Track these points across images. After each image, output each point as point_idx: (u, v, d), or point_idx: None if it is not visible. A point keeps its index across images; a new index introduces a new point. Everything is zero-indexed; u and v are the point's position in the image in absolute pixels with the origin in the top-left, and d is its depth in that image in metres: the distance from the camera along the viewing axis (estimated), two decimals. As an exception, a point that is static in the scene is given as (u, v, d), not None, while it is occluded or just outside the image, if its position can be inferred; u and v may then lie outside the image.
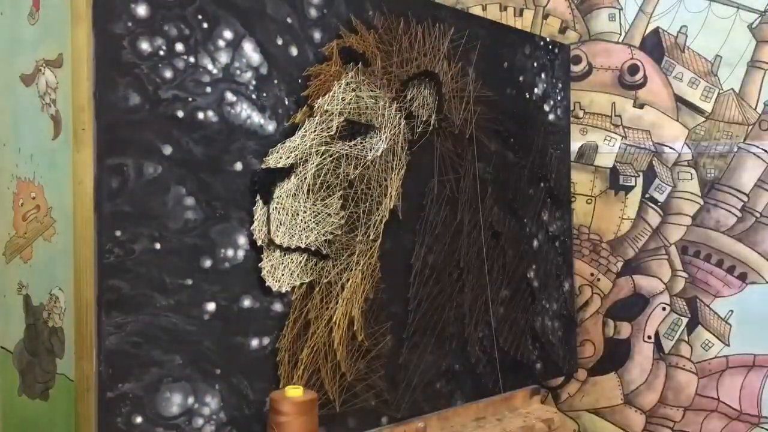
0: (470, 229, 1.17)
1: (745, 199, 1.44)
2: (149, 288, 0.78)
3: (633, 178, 1.52)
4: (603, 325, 1.55)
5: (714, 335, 1.45)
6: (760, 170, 1.43)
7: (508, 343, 1.24)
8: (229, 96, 0.84)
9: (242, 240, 0.86)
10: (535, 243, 1.32)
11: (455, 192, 1.15)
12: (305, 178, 0.92)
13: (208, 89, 0.82)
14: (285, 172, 0.90)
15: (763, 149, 1.43)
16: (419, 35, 1.08)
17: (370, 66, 1.00)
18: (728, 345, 1.45)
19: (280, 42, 0.90)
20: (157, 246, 0.78)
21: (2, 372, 1.15)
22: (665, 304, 1.49)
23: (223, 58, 0.84)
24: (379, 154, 1.02)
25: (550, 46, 1.37)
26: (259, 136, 0.87)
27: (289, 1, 0.91)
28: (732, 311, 1.46)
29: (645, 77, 1.51)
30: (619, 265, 1.53)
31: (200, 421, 0.82)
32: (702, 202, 1.47)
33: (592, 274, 1.55)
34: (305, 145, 0.92)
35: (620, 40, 1.53)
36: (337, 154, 0.96)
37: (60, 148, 1.02)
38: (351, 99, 0.98)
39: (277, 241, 0.89)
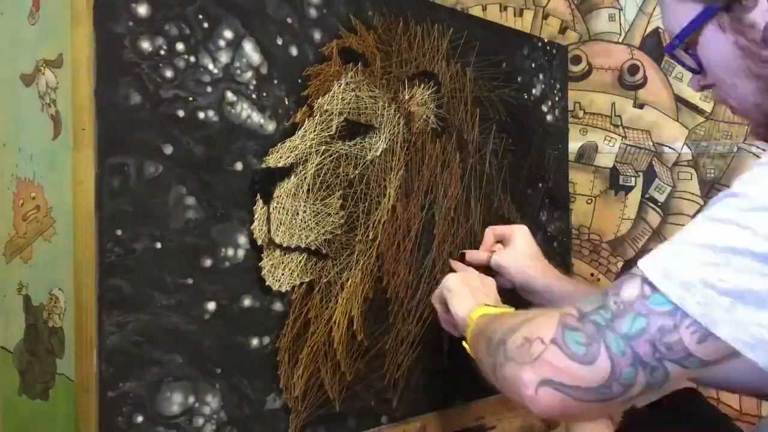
0: (469, 229, 1.18)
1: (745, 199, 1.43)
2: (150, 287, 0.78)
3: (633, 179, 1.52)
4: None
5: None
6: (759, 170, 1.43)
7: (507, 343, 1.24)
8: (230, 96, 0.84)
9: (242, 239, 0.86)
10: (535, 243, 1.32)
11: (454, 191, 1.15)
12: (305, 178, 0.92)
13: (209, 89, 0.82)
14: (285, 172, 0.90)
15: (762, 149, 1.43)
16: (418, 35, 1.08)
17: (369, 66, 1.00)
18: (728, 345, 1.45)
19: (280, 42, 0.90)
20: (158, 245, 0.78)
21: (2, 372, 1.15)
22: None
23: (224, 57, 0.84)
24: (378, 154, 1.02)
25: (548, 47, 1.37)
26: (259, 136, 0.88)
27: (289, 1, 0.91)
28: (731, 311, 1.46)
29: (645, 77, 1.51)
30: (619, 265, 1.53)
31: (201, 421, 0.82)
32: (702, 203, 1.47)
33: (592, 275, 1.55)
34: (305, 144, 0.92)
35: (620, 41, 1.53)
36: (336, 154, 0.96)
37: (60, 148, 1.02)
38: (351, 99, 0.98)
39: (277, 241, 0.89)
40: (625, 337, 0.55)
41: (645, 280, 0.56)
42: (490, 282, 1.01)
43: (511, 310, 0.86)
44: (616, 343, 0.55)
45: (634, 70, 1.52)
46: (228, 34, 0.84)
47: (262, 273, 0.88)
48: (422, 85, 1.10)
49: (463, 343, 0.90)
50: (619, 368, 0.55)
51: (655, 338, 0.54)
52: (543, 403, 0.58)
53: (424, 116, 1.10)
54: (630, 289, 0.56)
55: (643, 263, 0.57)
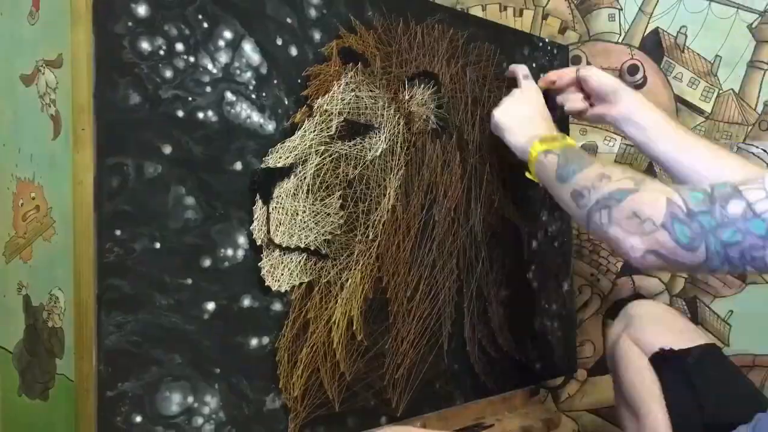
0: (469, 229, 1.18)
1: (745, 199, 1.44)
2: (149, 287, 0.78)
3: (633, 179, 1.52)
4: (603, 326, 1.55)
5: (714, 335, 1.45)
6: (759, 170, 1.43)
7: (507, 343, 1.24)
8: (229, 96, 0.84)
9: (242, 240, 0.86)
10: (534, 243, 1.32)
11: (454, 192, 1.15)
12: (305, 178, 0.92)
13: (208, 89, 0.82)
14: (284, 172, 0.90)
15: (762, 149, 1.44)
16: (418, 36, 1.08)
17: (369, 66, 1.00)
18: (728, 345, 1.46)
19: (279, 42, 0.90)
20: (157, 245, 0.78)
21: (2, 372, 1.15)
22: (665, 304, 1.49)
23: (223, 57, 0.84)
24: (378, 154, 1.02)
25: (549, 47, 1.37)
26: (258, 136, 0.88)
27: (288, 2, 0.91)
28: (732, 311, 1.46)
29: (645, 77, 1.52)
30: (619, 265, 1.53)
31: (200, 420, 0.82)
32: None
33: (592, 275, 1.55)
34: (305, 145, 0.92)
35: (620, 41, 1.53)
36: (336, 154, 0.96)
37: (60, 148, 1.02)
38: (350, 99, 0.98)
39: (277, 241, 0.89)
40: (723, 244, 0.71)
41: (750, 205, 0.71)
42: (539, 101, 1.11)
43: (571, 141, 1.01)
44: (715, 245, 0.72)
45: (633, 70, 1.52)
46: (227, 34, 0.84)
47: (262, 273, 0.88)
48: (422, 85, 1.10)
49: (527, 174, 1.03)
50: (711, 260, 0.73)
51: (744, 249, 0.71)
52: (646, 263, 0.77)
53: (424, 116, 1.10)
54: (735, 207, 0.71)
55: (751, 192, 0.72)
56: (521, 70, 1.16)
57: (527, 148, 1.01)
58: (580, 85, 1.14)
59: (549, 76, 1.18)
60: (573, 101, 1.16)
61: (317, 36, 0.94)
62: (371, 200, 1.01)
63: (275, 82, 0.89)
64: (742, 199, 0.72)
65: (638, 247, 0.76)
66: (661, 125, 1.05)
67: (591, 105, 1.14)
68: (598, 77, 1.12)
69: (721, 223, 0.71)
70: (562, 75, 1.16)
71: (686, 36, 1.49)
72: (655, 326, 1.10)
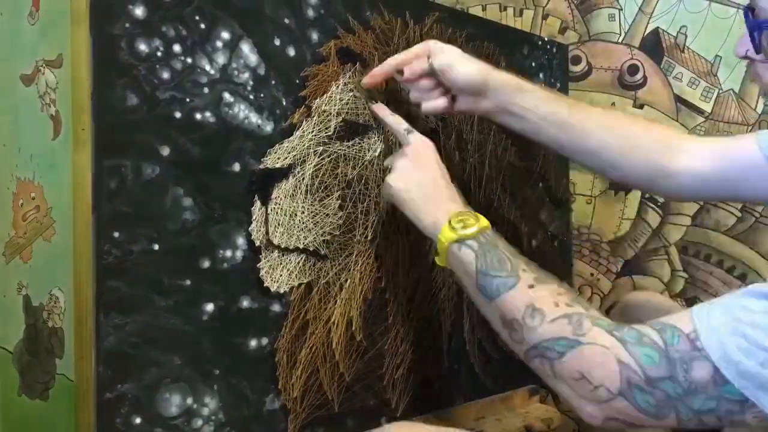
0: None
1: (745, 199, 1.44)
2: (147, 289, 0.78)
3: (633, 178, 1.51)
4: (603, 325, 1.54)
5: (714, 335, 1.45)
6: (759, 170, 1.43)
7: (507, 343, 1.24)
8: (227, 97, 0.84)
9: (240, 241, 0.86)
10: (534, 243, 1.32)
11: (454, 192, 1.15)
12: (303, 179, 0.92)
13: (206, 90, 0.82)
14: (283, 173, 0.90)
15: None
16: (417, 35, 1.08)
17: (368, 66, 1.00)
18: (728, 345, 1.45)
19: (277, 43, 0.90)
20: (156, 247, 0.78)
21: (2, 372, 1.15)
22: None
23: (221, 58, 0.84)
24: (377, 155, 1.02)
25: (549, 46, 1.37)
26: (257, 137, 0.87)
27: (286, 2, 0.91)
28: (732, 311, 1.45)
29: (645, 77, 1.51)
30: (619, 265, 1.53)
31: (199, 422, 0.82)
32: (702, 203, 1.47)
33: (591, 275, 1.55)
34: (303, 145, 0.92)
35: (620, 41, 1.53)
36: (335, 155, 0.96)
37: (60, 149, 1.02)
38: (349, 99, 0.98)
39: (275, 242, 0.89)
40: (696, 411, 0.62)
41: (717, 371, 0.60)
42: (436, 162, 0.89)
43: (484, 222, 0.79)
44: (686, 412, 0.62)
45: (633, 70, 1.52)
46: (225, 35, 0.84)
47: (261, 274, 0.88)
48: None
49: (436, 258, 0.83)
50: (686, 424, 0.63)
51: (721, 414, 0.61)
52: (609, 427, 0.67)
53: (423, 116, 1.10)
54: (701, 372, 0.61)
55: (716, 358, 0.61)
56: (397, 124, 0.94)
57: (435, 233, 0.81)
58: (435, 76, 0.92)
59: (393, 62, 0.94)
60: (432, 99, 0.94)
61: (315, 36, 0.94)
62: (370, 200, 1.01)
63: (273, 82, 0.89)
64: (705, 360, 0.61)
65: (597, 416, 0.65)
66: (545, 106, 0.90)
67: (454, 99, 0.94)
68: (458, 71, 0.90)
69: (689, 390, 0.61)
70: (413, 67, 0.93)
71: (686, 36, 1.48)
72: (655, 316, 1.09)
